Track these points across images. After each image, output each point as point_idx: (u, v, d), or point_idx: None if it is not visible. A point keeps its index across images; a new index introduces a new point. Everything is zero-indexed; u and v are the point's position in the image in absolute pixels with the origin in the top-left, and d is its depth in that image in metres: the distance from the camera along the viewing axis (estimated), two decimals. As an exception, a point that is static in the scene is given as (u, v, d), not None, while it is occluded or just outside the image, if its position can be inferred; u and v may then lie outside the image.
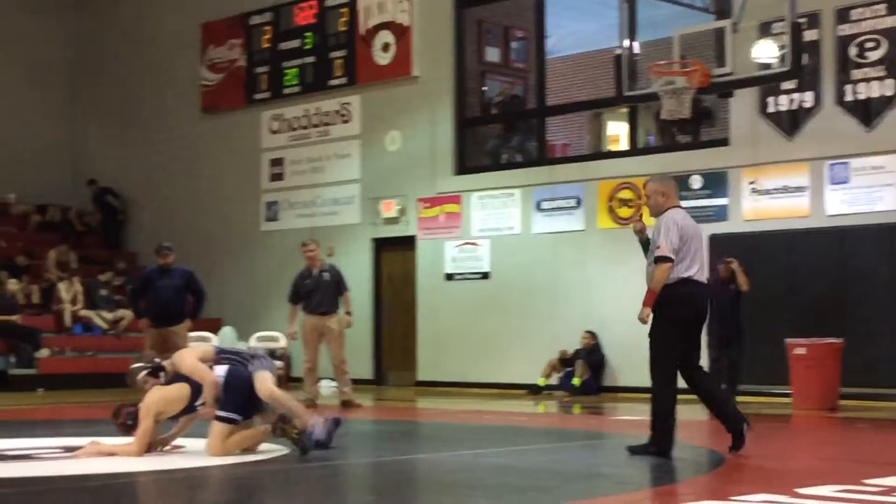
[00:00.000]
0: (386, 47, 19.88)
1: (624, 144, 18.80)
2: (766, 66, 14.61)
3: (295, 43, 21.28)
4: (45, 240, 22.76)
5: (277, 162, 21.56)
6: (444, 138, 19.25)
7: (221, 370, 8.61)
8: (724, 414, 8.76)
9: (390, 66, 19.83)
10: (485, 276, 18.63)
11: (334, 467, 8.22)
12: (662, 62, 13.82)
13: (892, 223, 14.84)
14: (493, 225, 18.55)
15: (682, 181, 16.60)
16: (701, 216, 16.31)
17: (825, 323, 14.68)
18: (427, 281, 19.31)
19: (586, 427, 12.66)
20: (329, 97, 20.78)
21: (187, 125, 23.07)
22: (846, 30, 15.27)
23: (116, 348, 19.35)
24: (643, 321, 8.41)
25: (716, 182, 16.36)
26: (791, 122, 15.71)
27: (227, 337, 19.39)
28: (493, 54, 20.09)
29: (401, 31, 19.68)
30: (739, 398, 15.06)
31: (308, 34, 21.08)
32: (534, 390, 17.25)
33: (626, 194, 17.06)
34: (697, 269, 8.52)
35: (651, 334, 8.56)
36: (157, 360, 9.03)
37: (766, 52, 14.84)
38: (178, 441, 8.90)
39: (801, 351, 14.10)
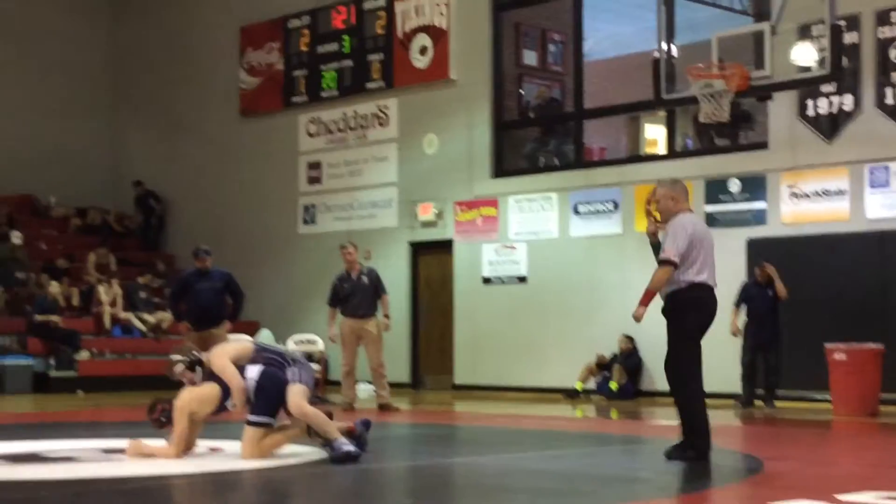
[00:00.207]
0: (423, 50, 19.90)
1: (662, 148, 18.73)
2: (806, 68, 14.52)
3: (333, 46, 21.34)
4: (84, 242, 22.94)
5: (315, 165, 21.64)
6: (482, 141, 19.26)
7: (254, 371, 8.53)
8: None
9: (428, 70, 19.86)
10: (522, 279, 18.61)
11: (370, 471, 8.22)
12: (701, 65, 13.74)
13: (933, 227, 14.72)
14: (530, 228, 18.54)
15: (720, 184, 16.56)
16: (739, 220, 16.29)
17: (865, 328, 14.55)
18: (464, 284, 19.31)
19: (624, 431, 12.63)
20: (366, 100, 20.83)
21: (226, 128, 23.19)
22: (886, 32, 15.15)
23: (155, 350, 19.46)
24: (637, 319, 8.49)
25: (754, 186, 16.27)
26: (830, 126, 15.60)
27: (265, 339, 19.45)
28: (530, 57, 20.08)
29: (438, 35, 19.70)
30: (779, 403, 15.06)
31: (346, 37, 21.14)
32: (571, 394, 17.22)
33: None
34: (707, 274, 8.58)
35: (669, 340, 8.62)
36: (194, 353, 8.99)
37: (806, 54, 14.75)
38: (216, 443, 8.93)
39: (840, 356, 13.99)
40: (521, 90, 19.88)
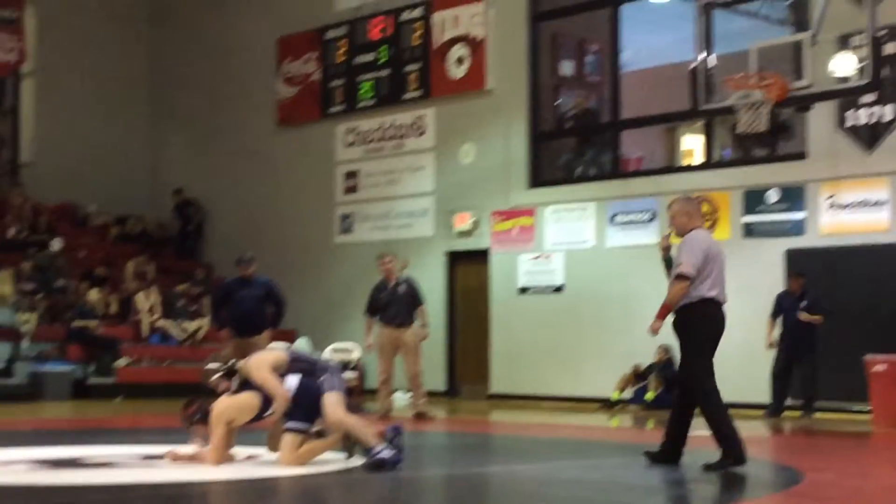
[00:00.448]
0: (460, 61, 19.94)
1: (699, 158, 18.67)
2: (845, 79, 14.44)
3: (369, 56, 21.42)
4: (124, 251, 23.10)
5: (352, 175, 21.71)
6: (518, 151, 19.26)
7: (293, 382, 8.59)
8: (673, 435, 8.88)
9: (464, 80, 19.89)
10: (558, 289, 18.59)
11: (406, 479, 8.23)
12: (739, 75, 13.69)
13: (974, 238, 14.59)
14: (566, 238, 18.52)
15: (758, 195, 16.49)
16: (777, 230, 16.21)
17: (905, 339, 14.45)
18: (500, 294, 19.31)
19: (660, 442, 12.55)
20: (403, 110, 20.89)
21: (263, 138, 23.31)
22: (927, 42, 15.07)
23: (193, 358, 19.55)
24: (654, 333, 8.68)
25: (793, 196, 16.19)
26: (870, 136, 15.51)
27: (301, 347, 19.52)
28: (567, 67, 20.07)
29: (475, 45, 19.73)
30: (818, 415, 14.96)
31: (383, 48, 21.20)
32: (607, 404, 17.18)
33: (702, 208, 16.93)
34: (718, 290, 8.72)
35: (683, 354, 8.80)
36: (232, 361, 9.07)
37: (845, 65, 14.66)
38: (254, 450, 8.98)
39: (881, 368, 13.88)
40: (557, 100, 19.87)
